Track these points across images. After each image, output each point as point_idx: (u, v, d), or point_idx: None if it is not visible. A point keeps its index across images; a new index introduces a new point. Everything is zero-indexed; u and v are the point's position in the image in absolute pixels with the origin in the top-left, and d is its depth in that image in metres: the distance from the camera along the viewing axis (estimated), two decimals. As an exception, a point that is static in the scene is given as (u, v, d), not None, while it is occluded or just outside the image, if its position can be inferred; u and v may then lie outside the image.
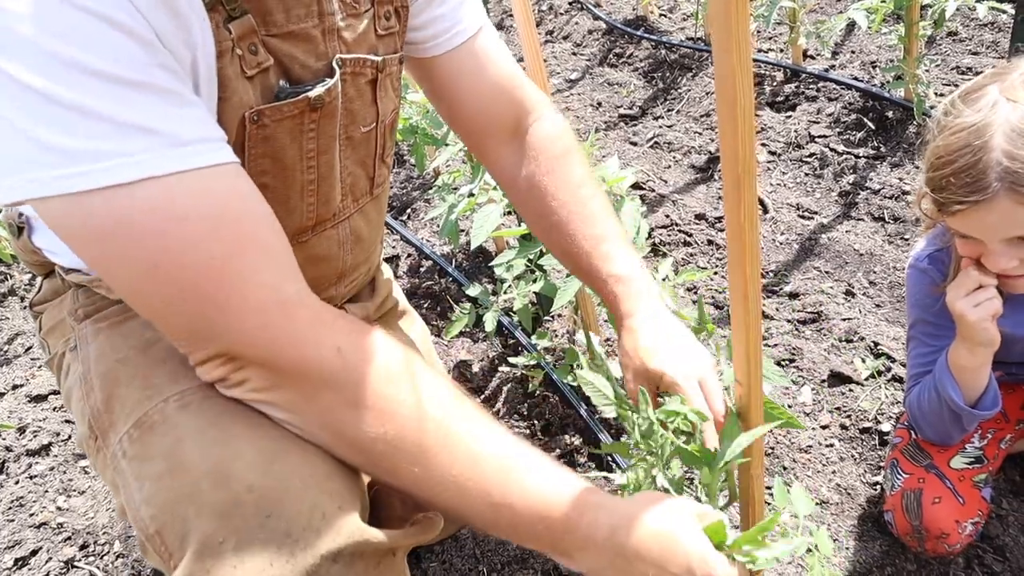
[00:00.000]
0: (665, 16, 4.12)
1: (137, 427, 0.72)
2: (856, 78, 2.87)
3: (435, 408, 0.72)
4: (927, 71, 2.89)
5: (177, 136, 0.63)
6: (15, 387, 2.11)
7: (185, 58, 0.67)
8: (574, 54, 4.02)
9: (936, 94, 2.70)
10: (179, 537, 0.65)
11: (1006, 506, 1.30)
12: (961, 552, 1.21)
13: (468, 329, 1.95)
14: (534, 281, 1.52)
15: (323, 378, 0.69)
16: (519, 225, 1.51)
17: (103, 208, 0.61)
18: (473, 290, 1.63)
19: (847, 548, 1.30)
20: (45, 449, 1.85)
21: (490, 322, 1.50)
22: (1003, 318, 1.10)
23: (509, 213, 1.61)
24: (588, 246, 1.00)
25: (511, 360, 1.71)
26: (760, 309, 0.85)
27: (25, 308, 2.52)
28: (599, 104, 3.37)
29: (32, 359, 2.24)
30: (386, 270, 1.26)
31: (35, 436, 1.89)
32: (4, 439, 1.89)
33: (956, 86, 2.73)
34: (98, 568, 1.54)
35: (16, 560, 1.56)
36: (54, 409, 2.00)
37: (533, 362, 1.60)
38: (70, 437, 1.90)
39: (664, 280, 1.49)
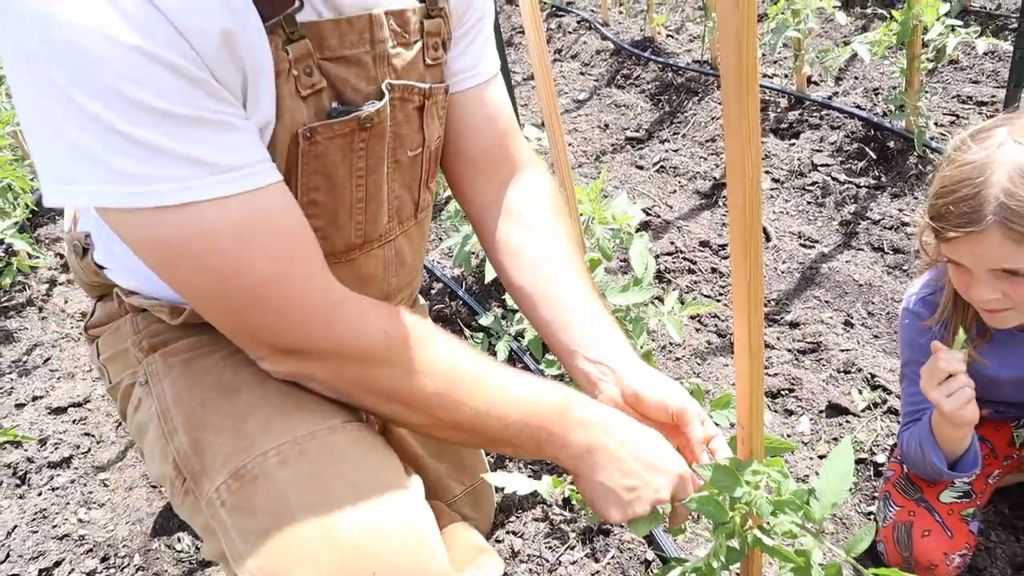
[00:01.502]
0: (672, 37, 4.19)
1: (236, 479, 0.77)
2: (859, 106, 2.94)
3: (464, 361, 0.87)
4: (928, 98, 2.95)
5: (227, 164, 0.70)
6: (35, 398, 2.17)
7: (239, 83, 0.73)
8: (582, 74, 4.09)
9: (936, 124, 2.76)
10: None
11: (994, 538, 1.36)
12: (950, 584, 1.27)
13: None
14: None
15: (380, 357, 0.81)
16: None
17: (172, 225, 0.70)
18: (486, 320, 1.69)
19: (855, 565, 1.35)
20: (66, 462, 1.91)
21: (502, 352, 1.56)
22: (989, 358, 1.16)
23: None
24: (565, 314, 1.00)
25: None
26: (762, 348, 0.90)
27: (44, 319, 2.59)
28: (606, 126, 3.44)
29: (51, 370, 2.30)
30: (420, 297, 1.33)
31: (56, 448, 1.95)
32: (26, 450, 1.95)
33: (957, 116, 2.80)
34: (119, 580, 1.59)
35: (40, 571, 1.61)
36: (74, 422, 2.06)
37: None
38: (89, 450, 1.96)
39: (670, 312, 1.55)
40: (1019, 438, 1.31)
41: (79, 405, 2.13)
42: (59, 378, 2.26)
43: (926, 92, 2.90)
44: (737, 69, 0.66)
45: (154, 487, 1.82)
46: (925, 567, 1.18)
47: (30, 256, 2.53)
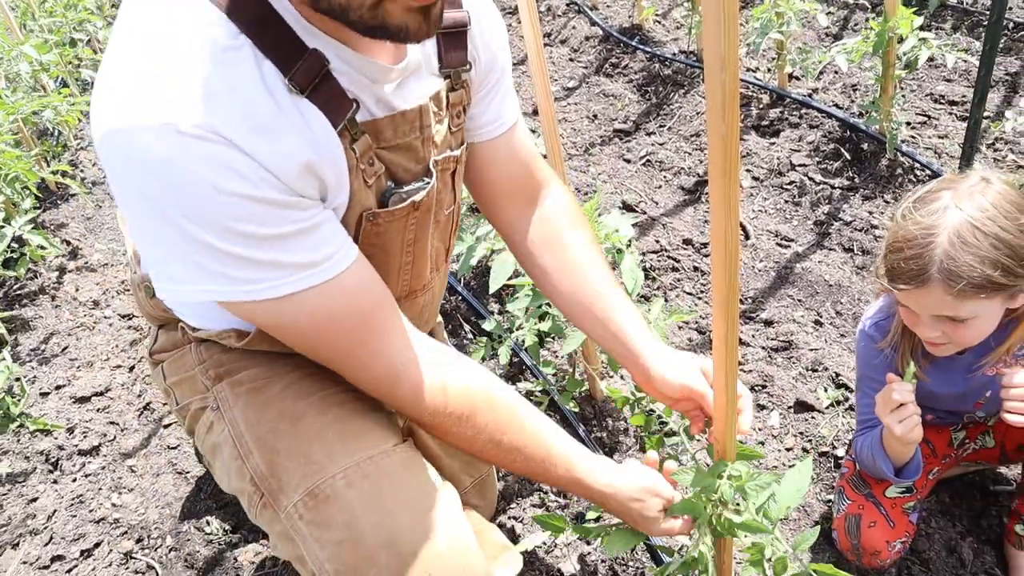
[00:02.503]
0: (659, 23, 4.28)
1: (311, 497, 0.93)
2: (837, 105, 3.08)
3: (522, 410, 1.07)
4: (903, 98, 3.10)
5: (312, 260, 0.86)
6: (58, 387, 2.30)
7: (321, 188, 0.88)
8: (571, 60, 4.18)
9: (909, 124, 2.91)
10: None
11: (934, 524, 1.55)
12: (893, 565, 1.47)
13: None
14: (541, 319, 1.73)
15: (439, 411, 0.99)
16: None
17: (267, 311, 0.87)
18: (488, 324, 1.84)
19: (800, 558, 1.54)
20: (95, 449, 2.05)
21: (504, 355, 1.71)
22: (931, 375, 1.33)
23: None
24: (601, 304, 1.20)
25: (521, 387, 1.94)
26: (736, 374, 1.06)
27: (57, 307, 2.70)
28: (595, 116, 3.55)
29: (70, 359, 2.43)
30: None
31: (85, 437, 2.09)
32: (56, 438, 2.09)
33: (928, 116, 2.96)
34: (154, 560, 1.76)
35: (82, 551, 1.77)
36: (98, 410, 2.20)
37: (540, 388, 1.82)
38: (115, 438, 2.10)
39: (656, 320, 1.71)
40: (956, 440, 1.50)
41: (101, 394, 2.26)
42: (79, 367, 2.39)
43: (900, 94, 3.05)
44: (722, 149, 0.82)
45: (179, 473, 1.97)
46: (871, 553, 1.37)
47: (42, 248, 2.62)
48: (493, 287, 1.65)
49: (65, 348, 2.49)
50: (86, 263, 2.95)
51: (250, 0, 0.79)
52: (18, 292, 2.75)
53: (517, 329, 1.73)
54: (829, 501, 1.65)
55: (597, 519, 1.51)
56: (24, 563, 1.76)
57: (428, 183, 1.03)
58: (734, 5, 0.76)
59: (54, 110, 3.29)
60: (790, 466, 1.75)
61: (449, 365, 1.01)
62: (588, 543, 1.62)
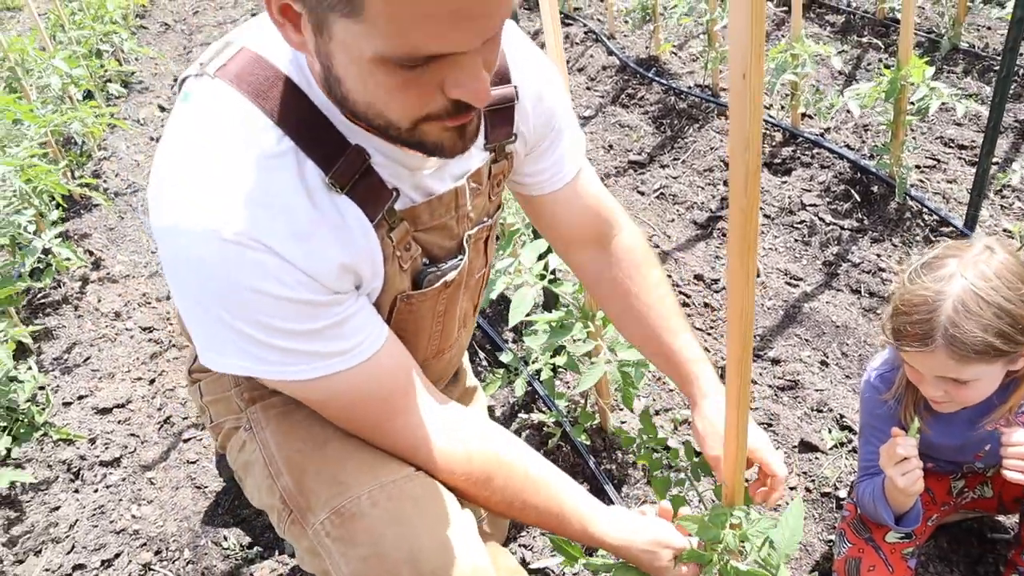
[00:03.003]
0: (675, 54, 4.36)
1: (338, 515, 0.98)
2: (848, 146, 3.15)
3: (535, 470, 1.12)
4: (913, 141, 3.16)
5: (344, 348, 0.93)
6: (80, 397, 2.36)
7: (353, 281, 0.95)
8: (588, 89, 4.26)
9: (918, 167, 2.97)
10: None
11: (932, 570, 1.60)
12: (892, 609, 1.51)
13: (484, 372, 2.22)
14: (556, 353, 1.79)
15: (457, 475, 1.06)
16: (549, 311, 1.78)
17: (299, 388, 0.97)
18: (505, 357, 1.90)
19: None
20: (116, 461, 2.11)
21: (520, 388, 1.77)
22: (932, 428, 1.38)
23: (544, 301, 1.87)
24: (668, 337, 1.28)
25: (534, 417, 1.99)
26: (746, 428, 1.11)
27: (79, 317, 2.77)
28: (610, 146, 3.63)
29: (92, 370, 2.49)
30: (468, 370, 1.55)
31: (106, 448, 2.15)
32: (78, 448, 2.15)
33: (938, 160, 3.01)
34: (171, 572, 1.81)
35: (103, 561, 1.83)
36: (119, 422, 2.26)
37: (553, 420, 1.88)
38: (136, 450, 2.16)
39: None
40: (955, 489, 1.55)
41: (122, 406, 2.32)
42: (101, 378, 2.45)
43: (911, 137, 3.11)
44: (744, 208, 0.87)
45: (198, 487, 2.03)
46: None
47: (68, 260, 2.69)
48: (512, 322, 1.71)
49: (87, 359, 2.55)
50: (108, 274, 3.02)
51: (298, 104, 0.86)
52: (42, 301, 2.81)
53: (533, 362, 1.79)
54: (830, 541, 1.69)
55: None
56: (47, 570, 1.81)
57: (461, 261, 1.09)
58: (759, 92, 0.82)
59: (81, 122, 3.37)
60: (793, 505, 1.80)
61: (468, 433, 1.08)
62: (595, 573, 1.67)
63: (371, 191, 0.92)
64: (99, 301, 2.85)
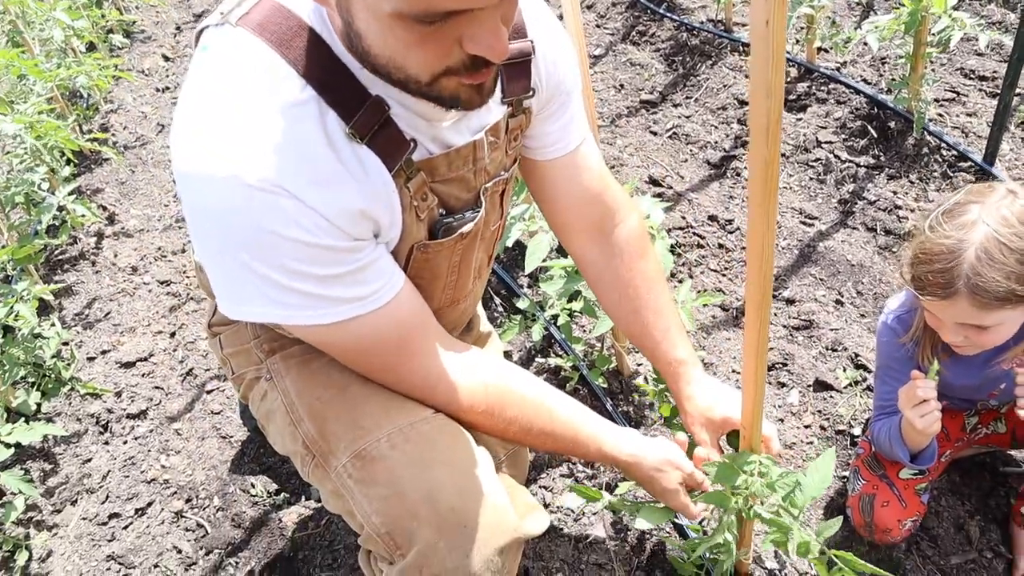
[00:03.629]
0: (686, -13, 4.23)
1: (359, 458, 1.02)
2: (865, 80, 3.07)
3: (548, 399, 1.16)
4: (932, 71, 3.08)
5: (363, 293, 0.95)
6: (103, 352, 2.41)
7: (372, 229, 0.96)
8: (598, 26, 4.15)
9: (937, 100, 2.90)
10: (407, 539, 0.98)
11: (944, 503, 1.63)
12: (903, 541, 1.55)
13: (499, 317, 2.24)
14: (572, 298, 1.80)
15: (474, 409, 1.10)
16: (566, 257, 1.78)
17: (317, 333, 0.98)
18: (522, 303, 1.91)
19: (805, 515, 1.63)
20: (143, 413, 2.16)
21: (537, 333, 1.79)
22: (949, 368, 1.39)
23: (560, 247, 1.87)
24: (658, 335, 1.30)
25: (551, 361, 2.02)
26: (765, 371, 1.12)
27: (97, 272, 2.79)
28: (621, 86, 3.56)
29: (113, 325, 2.53)
30: (483, 316, 1.57)
31: (132, 401, 2.20)
32: (105, 402, 2.20)
33: (958, 93, 2.95)
34: (203, 519, 1.87)
35: (136, 510, 1.89)
36: (143, 375, 2.30)
37: (570, 364, 1.90)
38: (161, 402, 2.21)
39: (683, 303, 1.77)
40: (968, 425, 1.56)
41: (145, 360, 2.37)
42: (122, 333, 2.49)
43: (930, 69, 3.03)
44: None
45: (223, 437, 2.08)
46: (883, 530, 1.45)
47: (83, 216, 2.70)
48: (529, 268, 1.71)
49: (108, 314, 2.58)
50: (123, 228, 3.04)
51: (321, 55, 0.85)
52: (59, 258, 2.84)
53: (549, 307, 1.80)
54: (844, 478, 1.73)
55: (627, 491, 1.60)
56: (84, 519, 1.88)
57: (477, 213, 1.10)
58: (782, 40, 0.80)
59: (87, 75, 3.34)
60: (807, 443, 1.83)
61: (482, 368, 1.11)
62: (615, 512, 1.72)
63: (390, 142, 0.92)
64: (115, 256, 2.87)
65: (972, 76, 3.06)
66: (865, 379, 1.94)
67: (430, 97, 0.84)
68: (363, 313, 0.96)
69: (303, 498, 1.88)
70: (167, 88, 4.15)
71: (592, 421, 1.20)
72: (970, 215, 1.18)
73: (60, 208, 2.81)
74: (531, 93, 1.10)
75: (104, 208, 3.13)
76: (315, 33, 0.86)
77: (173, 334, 2.48)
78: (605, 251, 1.32)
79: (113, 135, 3.73)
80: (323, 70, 0.86)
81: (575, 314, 2.10)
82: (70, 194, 2.66)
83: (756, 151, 0.91)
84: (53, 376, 2.20)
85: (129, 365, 2.34)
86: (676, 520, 1.64)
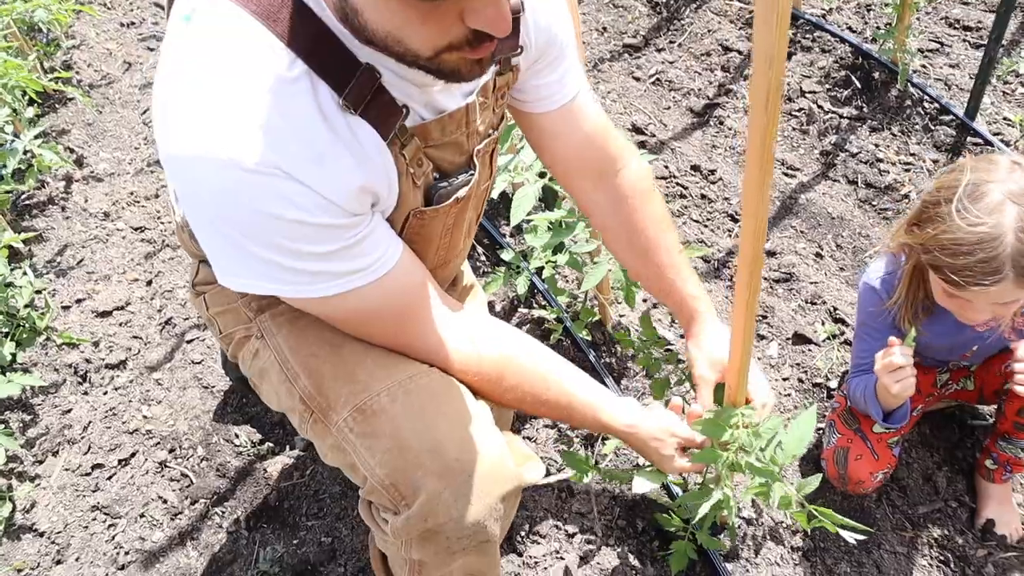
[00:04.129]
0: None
1: (359, 412, 1.03)
2: (851, 28, 3.04)
3: (544, 367, 1.17)
4: (917, 19, 3.06)
5: (360, 266, 0.94)
6: (79, 301, 2.36)
7: (371, 201, 0.94)
8: (580, -35, 4.03)
9: (921, 51, 2.89)
10: (412, 489, 1.00)
11: (914, 455, 1.69)
12: (874, 491, 1.61)
13: (486, 269, 2.24)
14: (556, 252, 1.79)
15: (471, 374, 1.11)
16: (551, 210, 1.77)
17: (317, 305, 0.98)
18: (507, 255, 1.90)
19: (792, 481, 1.68)
20: (122, 364, 2.14)
21: (522, 285, 1.79)
22: (926, 329, 1.42)
23: (544, 195, 1.85)
24: (671, 274, 1.31)
25: (535, 312, 2.02)
26: (753, 331, 1.13)
27: (68, 218, 2.72)
28: (604, 29, 3.48)
29: (87, 272, 2.47)
30: (469, 272, 1.56)
31: (111, 351, 2.17)
32: (83, 352, 2.17)
33: (942, 43, 2.93)
34: (187, 469, 1.88)
35: (119, 460, 1.89)
36: (120, 324, 2.27)
37: (555, 316, 1.91)
38: (139, 352, 2.18)
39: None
40: (940, 381, 1.61)
41: (122, 308, 2.33)
42: (97, 280, 2.44)
43: (915, 17, 3.00)
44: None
45: (205, 387, 2.07)
46: (855, 482, 1.51)
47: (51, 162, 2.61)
48: (514, 221, 1.70)
49: (80, 261, 2.53)
50: (92, 172, 2.94)
51: (309, 26, 0.82)
52: (27, 203, 2.75)
53: (534, 259, 1.80)
54: (820, 430, 1.78)
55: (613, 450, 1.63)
56: (67, 470, 1.88)
57: (472, 175, 1.08)
58: (787, 7, 0.79)
59: (46, 9, 3.17)
60: (785, 395, 1.88)
61: (480, 335, 1.11)
62: (597, 463, 1.75)
63: (383, 109, 0.90)
64: (86, 201, 2.79)
65: (957, 26, 3.04)
66: (843, 333, 1.98)
67: (430, 70, 0.82)
68: (363, 284, 0.95)
69: (287, 448, 1.89)
70: (132, 23, 3.97)
71: (590, 390, 1.22)
72: (993, 196, 1.17)
73: (26, 151, 2.71)
74: (519, 50, 1.07)
75: (71, 151, 3.02)
76: (302, 3, 0.83)
77: (150, 282, 2.43)
78: (610, 196, 1.31)
79: (77, 73, 3.58)
80: (312, 42, 0.83)
81: (559, 266, 2.10)
82: (37, 137, 2.56)
83: (755, 119, 0.90)
84: (28, 326, 2.16)
85: (106, 314, 2.30)
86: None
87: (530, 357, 1.16)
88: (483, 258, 2.32)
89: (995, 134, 2.46)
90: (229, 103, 0.80)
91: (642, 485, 1.28)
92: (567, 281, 2.18)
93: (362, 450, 1.03)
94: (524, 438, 1.82)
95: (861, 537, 1.16)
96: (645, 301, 2.13)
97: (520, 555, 1.63)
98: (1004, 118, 2.53)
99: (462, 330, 1.10)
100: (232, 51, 0.81)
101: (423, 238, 1.10)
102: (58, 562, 1.69)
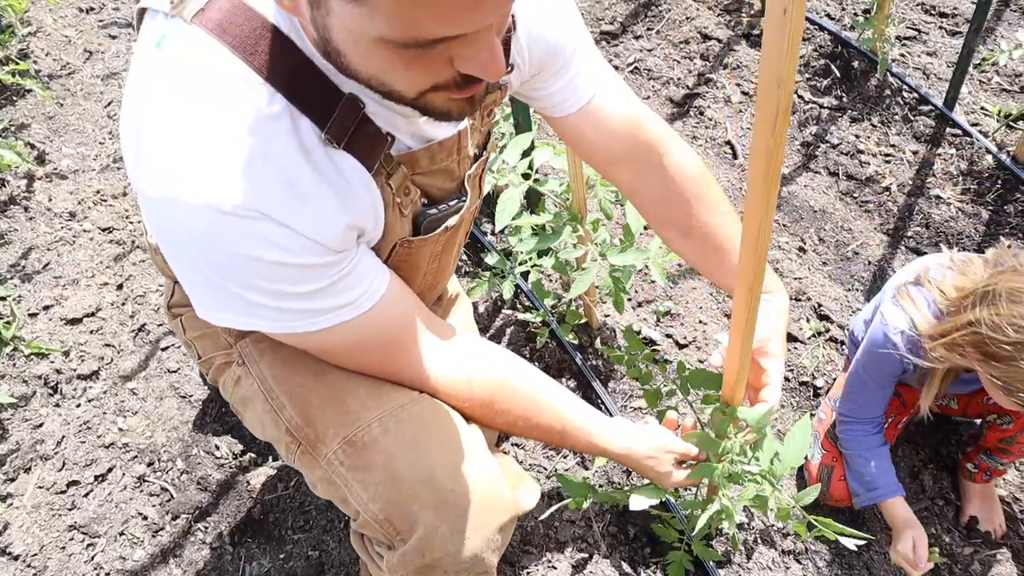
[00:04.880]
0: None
1: (349, 444, 1.00)
2: (829, 15, 3.02)
3: (536, 391, 1.14)
4: (894, 6, 3.05)
5: (344, 301, 0.91)
6: (46, 307, 2.28)
7: (356, 235, 0.91)
8: (555, -52, 3.96)
9: (899, 38, 2.88)
10: (407, 524, 0.97)
11: (900, 452, 1.70)
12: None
13: (472, 269, 2.20)
14: (542, 255, 1.76)
15: (462, 399, 1.09)
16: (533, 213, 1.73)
17: (301, 339, 0.94)
18: (491, 259, 1.86)
19: (782, 487, 1.69)
20: (95, 374, 2.07)
21: (507, 291, 1.75)
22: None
23: (528, 197, 1.81)
24: (730, 262, 1.22)
25: (520, 315, 1.99)
26: (753, 334, 1.12)
27: (31, 219, 2.62)
28: (581, 15, 3.42)
29: (55, 277, 2.39)
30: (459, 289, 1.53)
31: (82, 361, 2.10)
32: (52, 362, 2.10)
33: (919, 31, 2.93)
34: (167, 483, 1.83)
35: (96, 476, 1.83)
36: (91, 332, 2.20)
37: (540, 319, 1.88)
38: (113, 360, 2.12)
39: (652, 260, 1.76)
40: (925, 397, 1.62)
41: (92, 315, 2.25)
42: (65, 285, 2.36)
43: (894, 5, 2.99)
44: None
45: (182, 397, 2.02)
46: (836, 499, 1.53)
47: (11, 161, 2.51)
48: (499, 226, 1.66)
49: (47, 264, 2.44)
50: (55, 169, 2.84)
51: (289, 58, 0.78)
52: (-13, 203, 2.65)
53: (519, 263, 1.77)
54: (807, 428, 1.78)
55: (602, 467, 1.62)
56: (40, 487, 1.82)
57: (462, 202, 1.04)
58: (799, 27, 0.75)
59: (-1, -4, 3.03)
60: (772, 394, 1.87)
61: (469, 360, 1.08)
62: (586, 468, 1.74)
63: (367, 141, 0.86)
64: (50, 200, 2.69)
65: (933, 12, 3.04)
66: (828, 330, 1.98)
67: (416, 108, 0.78)
68: (350, 318, 0.92)
69: (270, 459, 1.85)
70: (91, 8, 3.82)
71: (582, 414, 1.19)
72: None
73: (-17, 149, 2.60)
74: (510, 69, 1.02)
75: (32, 147, 2.91)
76: (281, 33, 0.78)
77: (120, 286, 2.36)
78: (654, 186, 1.24)
79: (35, 63, 3.44)
80: (293, 75, 0.78)
81: (544, 269, 2.07)
82: (-5, 136, 2.45)
83: (760, 139, 0.87)
84: (-7, 336, 2.08)
85: (75, 321, 2.23)
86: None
87: (521, 381, 1.14)
88: (465, 257, 2.28)
89: (973, 124, 2.47)
90: (206, 142, 0.76)
91: (640, 503, 1.27)
92: (551, 281, 2.15)
93: (354, 484, 1.00)
94: (513, 445, 1.80)
95: (861, 543, 1.16)
96: (630, 300, 2.11)
97: (512, 566, 1.61)
98: (982, 108, 2.54)
99: (451, 355, 1.07)
100: (209, 86, 0.76)
101: (410, 266, 1.07)
102: (35, 586, 1.64)
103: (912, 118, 2.51)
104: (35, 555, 1.69)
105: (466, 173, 1.04)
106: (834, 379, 1.87)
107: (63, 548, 1.70)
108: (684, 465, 1.26)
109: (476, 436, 1.09)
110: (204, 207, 0.76)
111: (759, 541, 1.59)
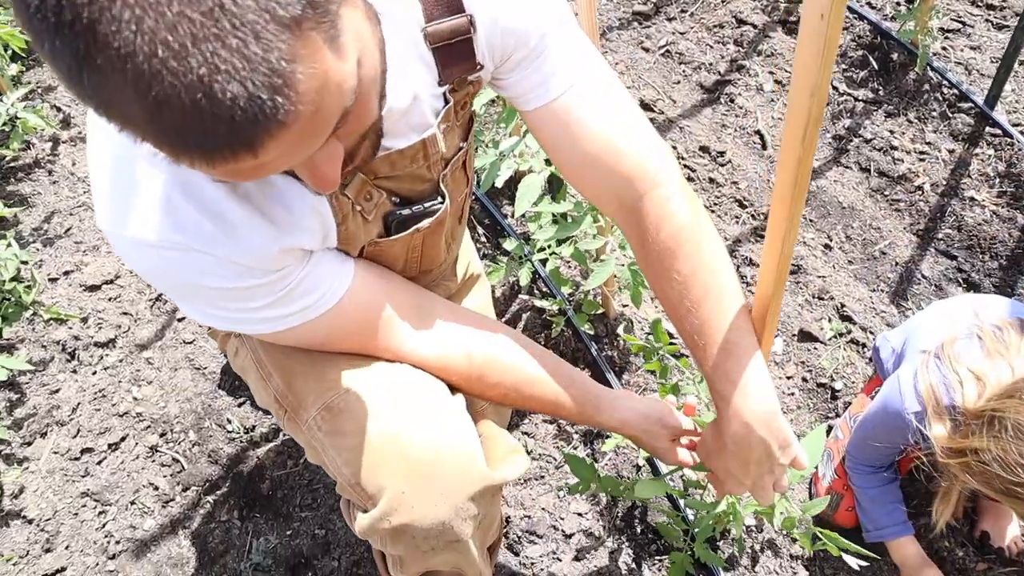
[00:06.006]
0: None
1: (327, 410, 1.02)
2: (871, 4, 2.92)
3: (528, 364, 1.13)
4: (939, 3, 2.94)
5: (304, 304, 0.94)
6: (67, 273, 2.29)
7: (301, 256, 0.93)
8: (590, -77, 3.86)
9: (942, 30, 2.78)
10: (376, 488, 0.98)
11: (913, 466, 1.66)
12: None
13: (489, 251, 2.18)
14: (561, 243, 1.74)
15: (455, 377, 1.09)
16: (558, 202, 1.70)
17: (292, 336, 1.01)
18: (509, 244, 1.84)
19: (790, 490, 1.67)
20: (112, 342, 2.08)
21: (525, 276, 1.73)
22: None
23: (550, 183, 1.78)
24: (711, 347, 1.03)
25: (537, 302, 1.97)
26: (778, 313, 1.08)
27: (55, 183, 2.63)
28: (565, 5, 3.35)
29: (75, 243, 2.40)
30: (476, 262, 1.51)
31: (100, 328, 2.11)
32: (71, 328, 2.11)
33: (963, 23, 2.83)
34: (179, 454, 1.85)
35: (109, 444, 1.86)
36: (109, 299, 2.21)
37: (557, 307, 1.86)
38: (130, 329, 2.13)
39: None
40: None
41: (111, 282, 2.27)
42: (85, 251, 2.37)
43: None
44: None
45: (197, 369, 2.03)
46: (840, 523, 1.52)
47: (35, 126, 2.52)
48: (519, 212, 1.64)
49: (68, 229, 2.45)
50: (80, 133, 2.84)
51: None
52: (11, 166, 2.66)
53: (537, 250, 1.74)
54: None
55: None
56: (55, 453, 1.84)
57: (437, 207, 1.03)
58: (836, 35, 0.72)
59: (30, -43, 3.02)
60: (789, 394, 1.84)
61: (455, 336, 1.09)
62: (596, 460, 1.73)
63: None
64: (74, 165, 2.70)
65: (980, 4, 2.93)
66: (849, 332, 1.94)
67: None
68: (313, 318, 0.95)
69: (280, 435, 1.86)
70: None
71: (578, 385, 1.18)
72: None
73: (10, 116, 2.61)
74: (479, 68, 0.96)
75: (58, 109, 2.91)
76: None
77: (139, 255, 2.37)
78: (634, 224, 1.07)
79: (63, 25, 3.44)
80: None
81: (563, 257, 2.05)
82: (21, 100, 2.46)
83: (790, 150, 0.84)
84: (13, 300, 2.10)
85: (95, 288, 2.24)
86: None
87: (511, 356, 1.13)
88: (483, 239, 2.26)
89: (1015, 124, 2.38)
90: (127, 181, 0.80)
91: (643, 494, 1.26)
92: (570, 267, 2.12)
93: (330, 449, 1.02)
94: (522, 432, 1.79)
95: (865, 564, 1.14)
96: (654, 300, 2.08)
97: (516, 555, 1.61)
98: (1024, 107, 2.45)
99: (438, 330, 1.08)
100: None
101: (386, 260, 1.08)
102: (47, 550, 1.67)
103: (950, 115, 2.43)
104: (48, 520, 1.71)
105: (440, 174, 1.01)
106: (853, 383, 1.83)
107: (75, 514, 1.73)
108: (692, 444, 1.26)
109: (455, 405, 1.08)
110: (134, 241, 0.81)
111: (765, 546, 1.57)
